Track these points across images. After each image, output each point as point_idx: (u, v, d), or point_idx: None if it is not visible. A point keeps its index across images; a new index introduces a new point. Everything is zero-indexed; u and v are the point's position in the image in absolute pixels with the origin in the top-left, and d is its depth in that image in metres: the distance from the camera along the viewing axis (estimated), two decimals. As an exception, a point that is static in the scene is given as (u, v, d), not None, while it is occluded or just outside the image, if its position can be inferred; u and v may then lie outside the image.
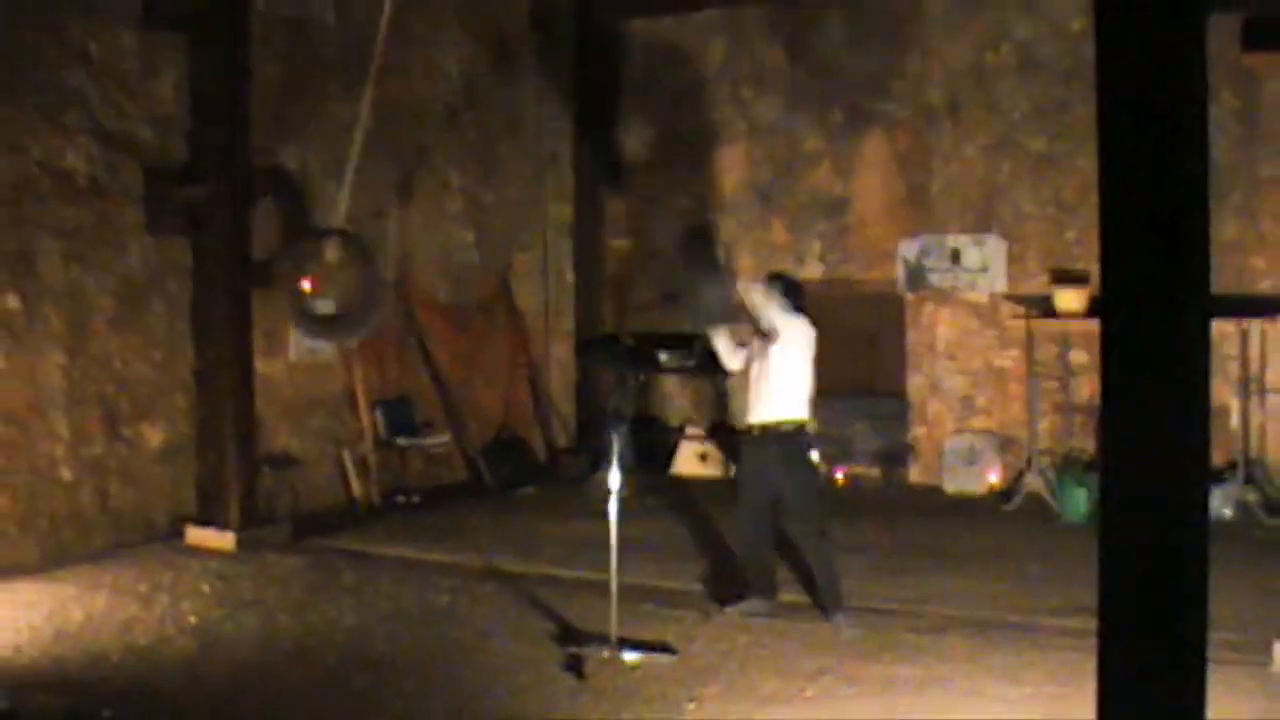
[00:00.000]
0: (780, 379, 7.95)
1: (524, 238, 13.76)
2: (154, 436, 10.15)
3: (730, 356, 8.14)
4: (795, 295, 8.11)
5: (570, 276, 14.15)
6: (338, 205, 9.17)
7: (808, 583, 8.20)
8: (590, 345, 13.78)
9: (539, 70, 13.72)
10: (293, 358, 11.20)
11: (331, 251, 8.34)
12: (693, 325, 8.42)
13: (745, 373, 8.14)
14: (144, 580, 8.87)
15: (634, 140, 14.00)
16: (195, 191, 9.98)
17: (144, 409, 10.07)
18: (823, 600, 7.94)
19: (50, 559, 9.25)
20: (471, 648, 7.47)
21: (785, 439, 7.99)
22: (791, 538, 8.37)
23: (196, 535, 9.98)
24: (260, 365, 10.52)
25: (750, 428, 8.11)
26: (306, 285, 11.10)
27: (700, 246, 8.36)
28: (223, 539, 9.85)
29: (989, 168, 12.31)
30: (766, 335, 7.90)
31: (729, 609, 8.03)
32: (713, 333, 8.15)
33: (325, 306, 9.29)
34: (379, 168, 12.06)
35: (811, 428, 8.20)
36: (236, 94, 10.05)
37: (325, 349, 11.44)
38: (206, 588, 8.74)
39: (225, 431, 10.06)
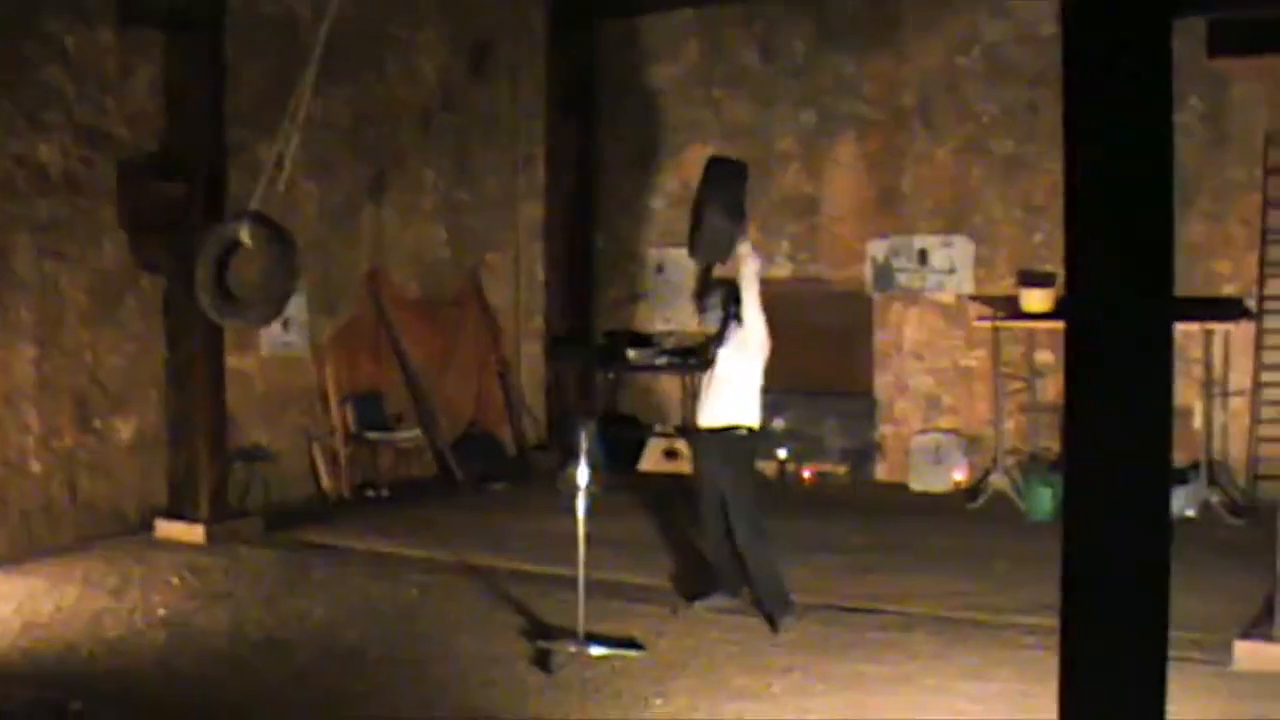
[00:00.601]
0: (731, 377, 7.76)
1: (497, 236, 13.73)
2: (125, 429, 10.10)
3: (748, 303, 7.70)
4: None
5: (541, 275, 14.13)
6: (274, 186, 9.03)
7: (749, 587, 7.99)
8: (560, 342, 13.77)
9: (514, 71, 13.69)
10: (265, 352, 11.16)
11: (245, 234, 8.31)
12: (694, 258, 8.02)
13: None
14: (114, 573, 8.83)
15: (608, 140, 13.98)
16: (170, 188, 9.92)
17: (115, 402, 10.03)
18: (766, 607, 7.70)
19: (19, 551, 9.20)
20: (441, 642, 7.46)
21: (722, 438, 7.78)
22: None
23: (167, 528, 9.94)
24: (232, 360, 10.48)
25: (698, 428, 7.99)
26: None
27: (728, 175, 7.90)
28: (193, 532, 9.81)
29: (958, 170, 12.33)
30: (737, 318, 7.72)
31: (697, 604, 8.03)
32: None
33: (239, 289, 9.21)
34: (353, 166, 12.05)
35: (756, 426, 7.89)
36: (213, 91, 10.00)
37: (297, 344, 11.41)
38: (177, 581, 8.71)
39: (197, 425, 10.02)
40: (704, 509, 7.99)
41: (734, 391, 7.75)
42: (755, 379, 7.82)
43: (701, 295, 8.06)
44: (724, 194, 7.60)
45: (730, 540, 7.86)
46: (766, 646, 7.32)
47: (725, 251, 7.74)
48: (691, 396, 12.80)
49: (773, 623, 7.60)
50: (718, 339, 7.90)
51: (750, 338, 7.73)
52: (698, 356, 9.58)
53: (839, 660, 7.08)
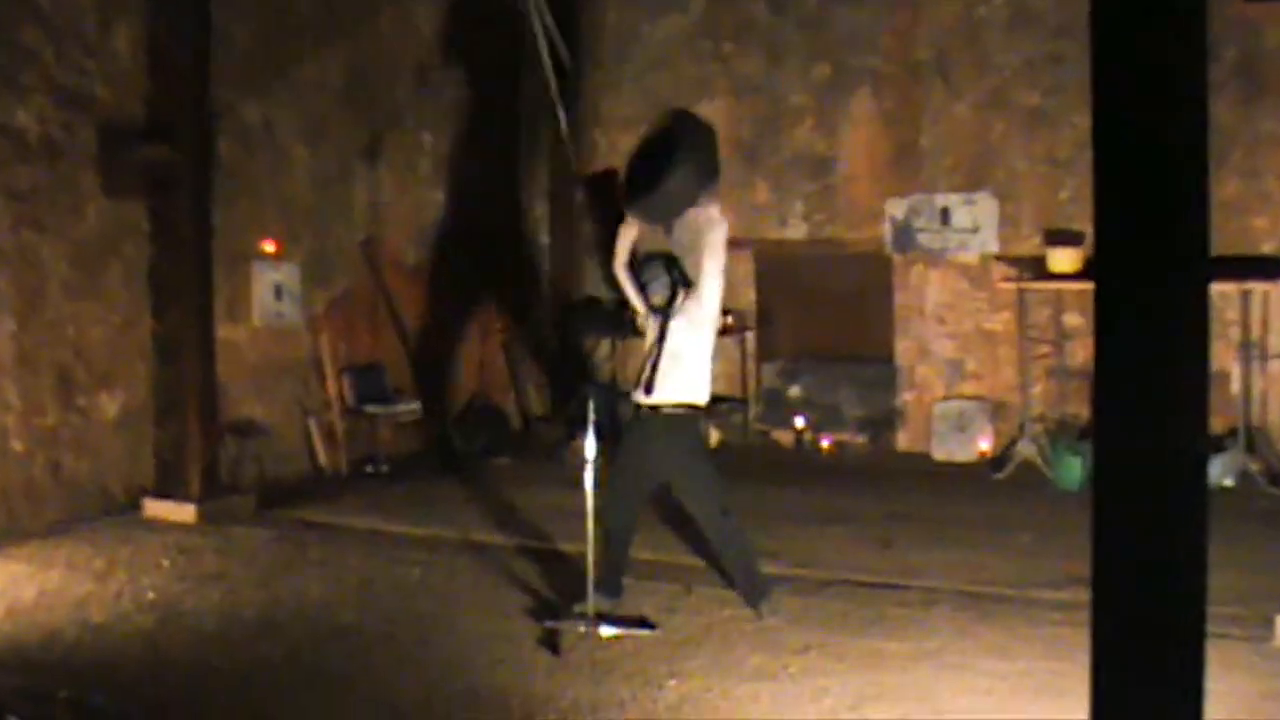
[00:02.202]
0: (683, 351, 7.33)
1: (499, 199, 13.69)
2: (111, 405, 10.09)
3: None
4: None
5: (546, 238, 14.11)
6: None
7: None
8: (568, 309, 13.76)
9: (515, 26, 13.62)
10: (257, 322, 11.15)
11: None
12: (643, 217, 7.51)
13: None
14: (100, 555, 8.84)
15: (614, 97, 13.93)
16: (155, 152, 9.89)
17: (100, 377, 10.01)
18: (745, 596, 7.50)
19: (1, 534, 9.20)
20: (444, 622, 7.47)
21: (674, 419, 7.38)
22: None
23: (156, 508, 9.93)
24: (223, 330, 10.46)
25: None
26: (270, 247, 11.12)
27: (702, 134, 7.48)
28: (183, 511, 9.81)
29: (980, 125, 12.28)
30: (686, 287, 7.29)
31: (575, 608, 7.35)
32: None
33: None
34: (346, 128, 12.01)
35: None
36: (198, 50, 9.95)
37: (290, 314, 11.41)
38: (166, 562, 8.72)
39: (186, 399, 10.00)
40: (618, 493, 7.46)
41: (688, 367, 7.30)
42: (709, 353, 7.40)
43: (638, 265, 7.53)
44: (698, 155, 7.22)
45: (629, 535, 7.55)
46: (783, 624, 7.32)
47: (677, 214, 7.34)
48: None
49: (756, 610, 7.46)
50: (663, 311, 7.34)
51: (706, 311, 7.29)
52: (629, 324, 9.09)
53: (858, 637, 7.09)
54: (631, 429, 7.58)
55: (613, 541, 7.50)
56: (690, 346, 7.31)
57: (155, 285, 10.18)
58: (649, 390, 7.30)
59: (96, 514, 9.81)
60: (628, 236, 7.67)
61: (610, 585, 7.48)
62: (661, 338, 7.30)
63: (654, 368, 7.28)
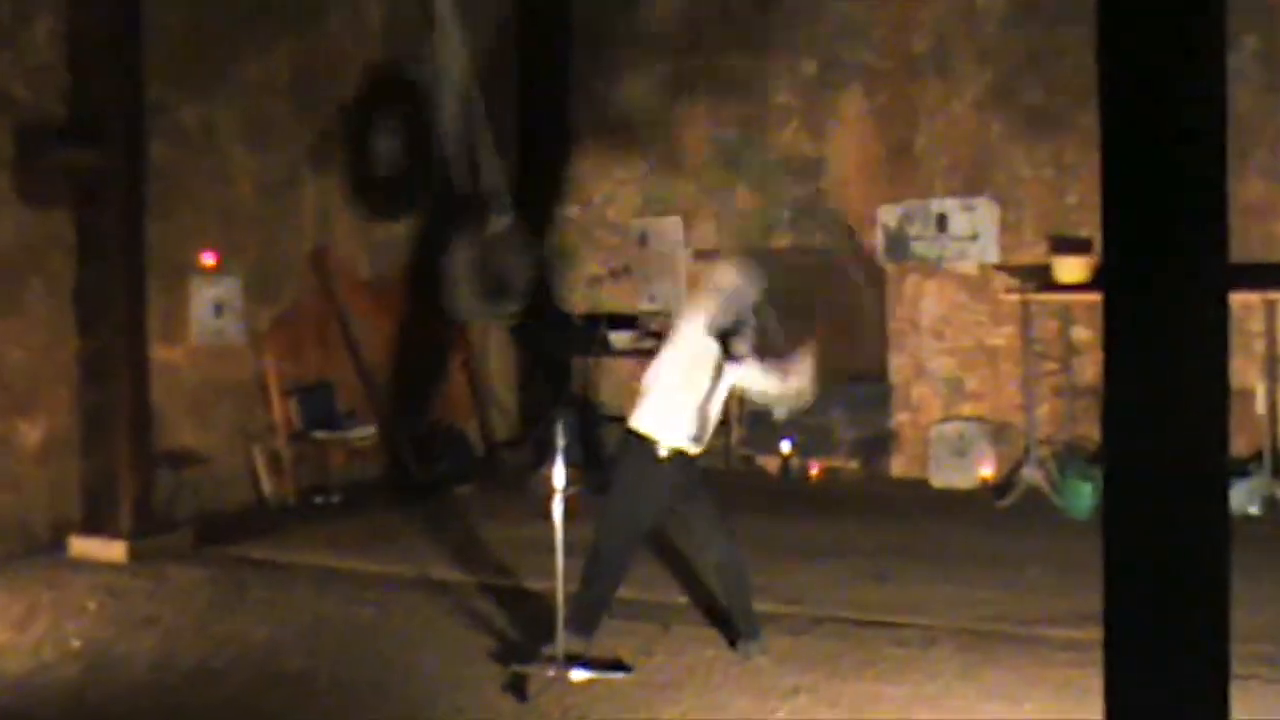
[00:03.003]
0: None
1: (459, 207, 13.64)
2: (32, 434, 10.02)
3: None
4: None
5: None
6: None
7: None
8: (534, 326, 13.72)
9: (476, 20, 13.60)
10: (195, 341, 11.11)
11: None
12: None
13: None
14: (20, 599, 8.76)
15: (583, 97, 13.93)
16: (80, 156, 9.84)
17: (20, 402, 9.94)
18: (736, 627, 7.61)
19: (-88, 576, 9.14)
20: (401, 666, 7.43)
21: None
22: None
23: (82, 546, 9.87)
24: (157, 351, 10.42)
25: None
26: (209, 260, 11.09)
27: None
28: (113, 549, 9.74)
29: (979, 124, 12.30)
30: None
31: (544, 649, 7.31)
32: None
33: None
34: (294, 130, 11.98)
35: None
36: (127, 44, 9.90)
37: (232, 331, 11.37)
38: (94, 606, 8.66)
39: (116, 426, 9.95)
40: (636, 528, 7.60)
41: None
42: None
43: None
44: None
45: (625, 573, 7.60)
46: (770, 665, 7.31)
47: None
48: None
49: (744, 649, 7.51)
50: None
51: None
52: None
53: (851, 680, 7.07)
54: (675, 472, 7.44)
55: (609, 577, 7.46)
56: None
57: (81, 302, 10.11)
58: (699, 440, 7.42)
59: (16, 553, 9.73)
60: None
61: (588, 622, 7.37)
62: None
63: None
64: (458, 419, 13.42)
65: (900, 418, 12.73)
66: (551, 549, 7.09)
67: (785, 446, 12.67)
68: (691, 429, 7.38)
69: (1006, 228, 12.20)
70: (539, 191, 13.90)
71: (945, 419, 12.43)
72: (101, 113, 9.88)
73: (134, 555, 9.70)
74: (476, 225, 10.05)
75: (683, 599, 8.48)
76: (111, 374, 9.97)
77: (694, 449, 7.43)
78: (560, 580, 7.08)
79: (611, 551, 7.45)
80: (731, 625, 7.68)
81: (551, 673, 7.00)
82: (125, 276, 9.93)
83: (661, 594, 8.63)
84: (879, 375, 12.79)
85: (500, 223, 10.08)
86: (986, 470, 12.03)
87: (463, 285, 9.91)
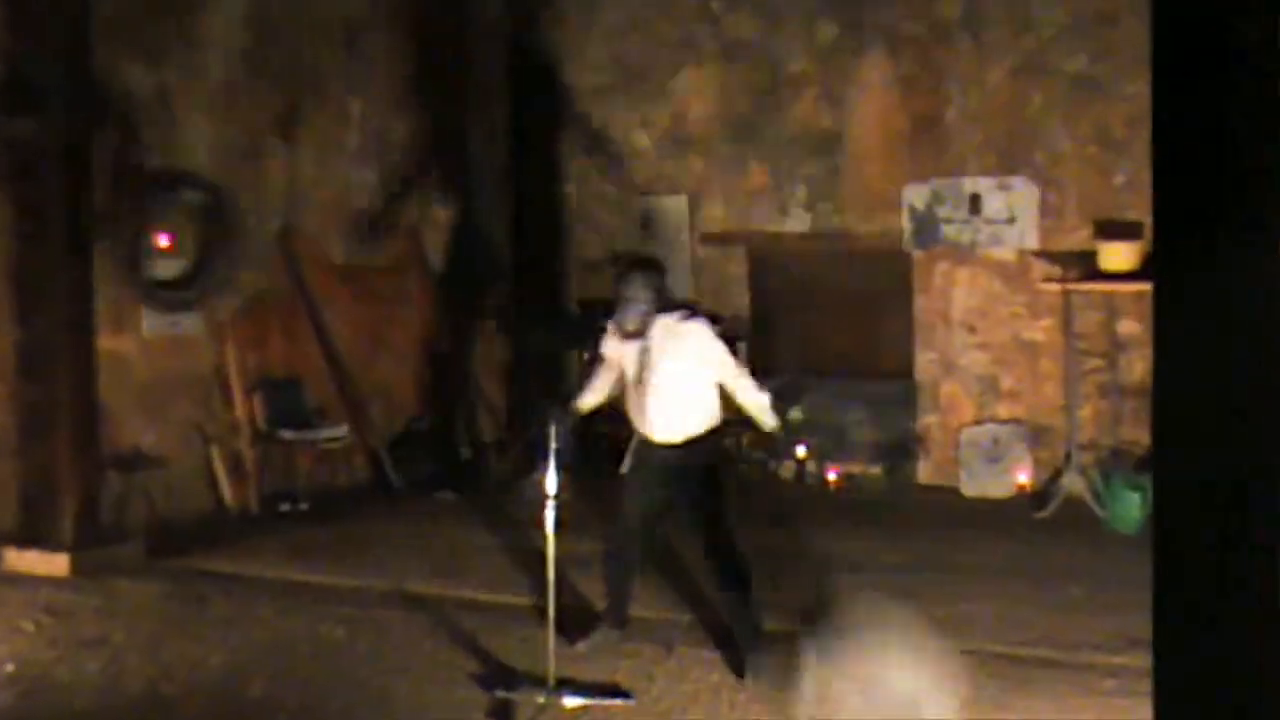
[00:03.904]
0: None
1: (443, 182, 13.65)
2: (-37, 434, 10.03)
3: None
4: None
5: (501, 230, 14.07)
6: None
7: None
8: (526, 316, 13.73)
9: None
10: (147, 332, 11.10)
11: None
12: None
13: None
14: (-49, 618, 8.77)
15: (580, 63, 13.93)
16: (18, 127, 9.82)
17: (-48, 399, 9.95)
18: (745, 645, 7.77)
19: None
20: (374, 691, 7.43)
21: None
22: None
23: (19, 559, 9.83)
24: (105, 341, 10.40)
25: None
26: (164, 242, 11.06)
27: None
28: (54, 562, 9.71)
29: (1017, 95, 12.30)
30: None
31: (580, 645, 7.91)
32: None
33: (170, 269, 9.26)
34: (257, 96, 11.97)
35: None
36: (71, 2, 9.88)
37: (189, 321, 11.35)
38: (31, 626, 8.64)
39: (59, 425, 9.92)
40: (636, 526, 8.02)
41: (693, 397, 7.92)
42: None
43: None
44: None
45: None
46: (783, 692, 7.28)
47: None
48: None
49: (741, 666, 7.64)
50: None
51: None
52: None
53: (873, 710, 7.05)
54: (648, 463, 8.04)
55: (633, 567, 8.02)
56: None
57: (20, 288, 10.08)
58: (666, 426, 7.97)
59: (-54, 566, 9.73)
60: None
61: (618, 616, 7.97)
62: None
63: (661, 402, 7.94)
64: (439, 418, 13.42)
65: (928, 419, 12.74)
66: (543, 562, 7.08)
67: (800, 450, 12.67)
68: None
69: (1046, 210, 12.20)
70: (531, 166, 13.92)
71: (977, 421, 12.44)
72: (42, 79, 9.84)
73: (77, 569, 9.65)
74: None
75: (688, 617, 8.47)
76: (53, 367, 9.94)
77: (656, 437, 7.85)
78: (552, 596, 7.08)
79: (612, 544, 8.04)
80: (733, 647, 7.73)
81: (541, 699, 7.01)
82: (68, 260, 9.90)
83: (665, 611, 8.64)
84: (904, 372, 12.79)
85: None
86: (1023, 478, 12.04)
87: None
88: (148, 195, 9.94)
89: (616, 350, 8.06)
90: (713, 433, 7.91)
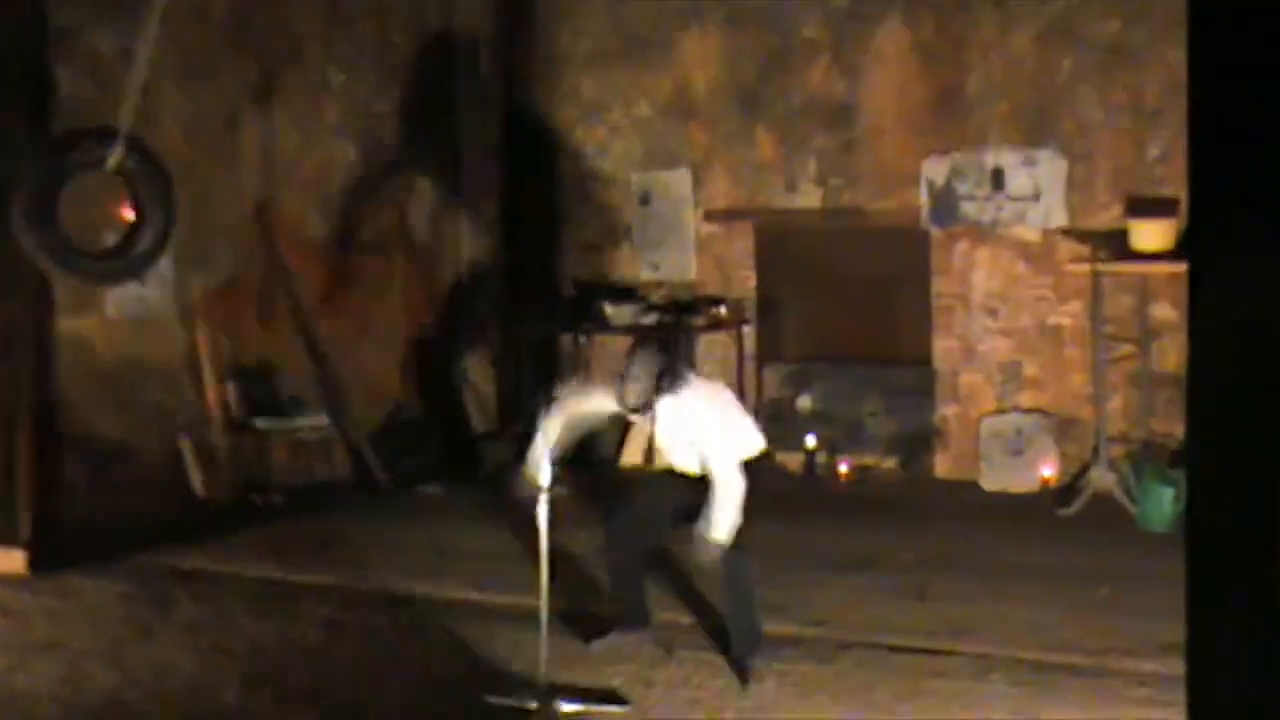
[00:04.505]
0: None
1: (429, 156, 13.63)
2: (-90, 424, 10.01)
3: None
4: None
5: (492, 208, 14.05)
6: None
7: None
8: (518, 298, 13.70)
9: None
10: (113, 312, 11.09)
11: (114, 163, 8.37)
12: None
13: None
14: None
15: (574, 28, 13.91)
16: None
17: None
18: (738, 650, 7.94)
19: None
20: (356, 698, 7.41)
21: None
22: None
23: (-29, 555, 9.86)
24: (66, 323, 10.40)
25: None
26: (128, 214, 11.02)
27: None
28: (10, 559, 9.72)
29: (1043, 62, 12.28)
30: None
31: (595, 644, 8.11)
32: None
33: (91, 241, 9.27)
34: (231, 62, 11.94)
35: None
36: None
37: (158, 302, 11.33)
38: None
39: (15, 413, 9.90)
40: (640, 515, 8.38)
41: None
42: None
43: None
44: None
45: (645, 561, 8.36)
46: (790, 697, 7.30)
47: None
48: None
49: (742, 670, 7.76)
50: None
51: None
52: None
53: (887, 717, 7.07)
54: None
55: (631, 572, 8.24)
56: None
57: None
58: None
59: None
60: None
61: (638, 613, 8.19)
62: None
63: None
64: (426, 406, 13.41)
65: (946, 409, 12.73)
66: (535, 560, 7.08)
67: (810, 441, 12.66)
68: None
69: (1075, 185, 12.18)
70: (519, 138, 13.89)
71: (999, 411, 12.43)
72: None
73: (35, 566, 9.67)
74: None
75: (689, 619, 8.50)
76: (9, 350, 9.92)
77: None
78: (545, 595, 7.08)
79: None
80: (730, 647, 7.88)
81: (534, 705, 7.01)
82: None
83: (666, 613, 8.62)
84: (921, 360, 12.79)
85: None
86: (1047, 472, 12.03)
87: None
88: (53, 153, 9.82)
89: (581, 406, 8.43)
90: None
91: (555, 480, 7.25)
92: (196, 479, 11.51)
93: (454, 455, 13.20)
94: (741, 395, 13.15)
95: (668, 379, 7.83)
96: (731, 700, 7.32)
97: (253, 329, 12.11)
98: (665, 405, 7.87)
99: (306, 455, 12.34)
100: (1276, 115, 2.99)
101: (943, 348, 12.76)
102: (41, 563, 9.70)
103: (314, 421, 12.24)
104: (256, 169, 12.21)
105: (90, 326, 10.92)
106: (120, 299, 11.08)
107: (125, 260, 9.55)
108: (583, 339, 13.56)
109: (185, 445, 11.51)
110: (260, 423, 11.83)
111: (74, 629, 8.63)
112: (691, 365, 9.03)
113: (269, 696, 7.49)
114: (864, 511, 11.58)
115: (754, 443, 8.17)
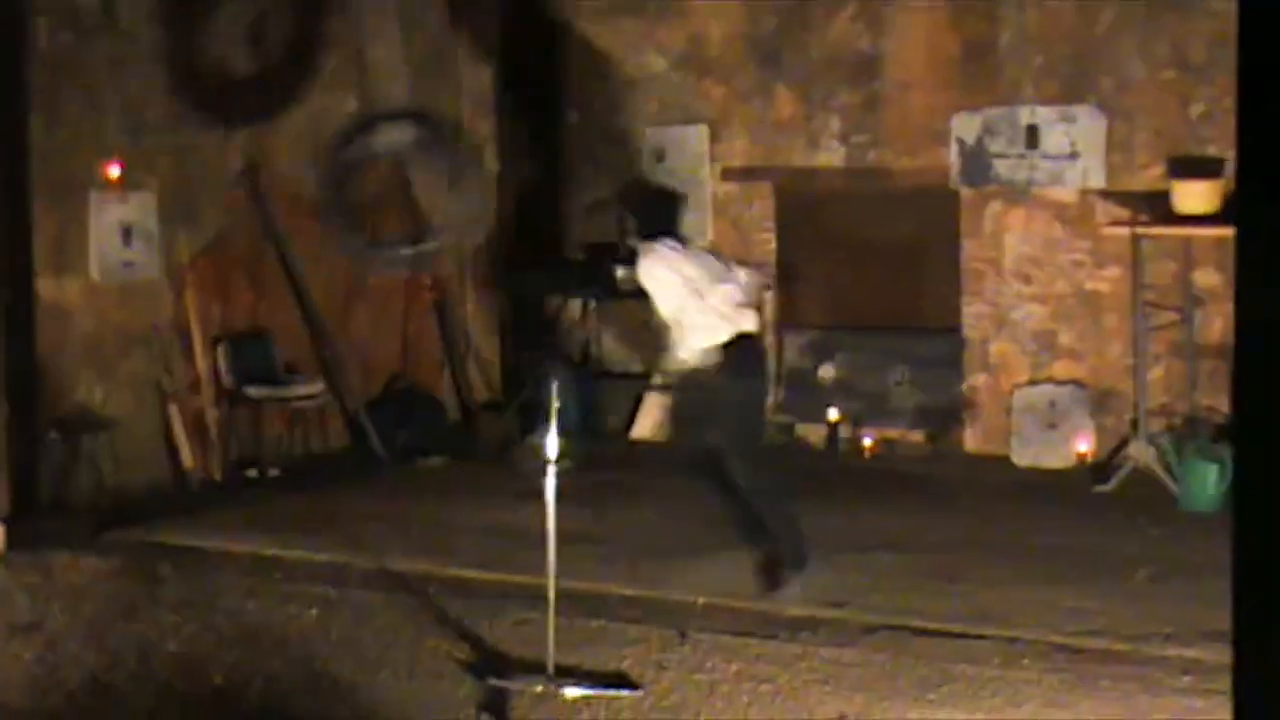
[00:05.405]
0: None
1: (429, 110, 13.61)
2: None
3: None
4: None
5: (494, 165, 14.04)
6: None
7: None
8: (523, 262, 13.70)
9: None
10: (96, 275, 11.08)
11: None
12: None
13: None
14: None
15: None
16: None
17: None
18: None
19: None
20: (352, 681, 7.43)
21: None
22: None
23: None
24: (45, 287, 10.41)
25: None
26: (113, 172, 11.01)
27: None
28: (-13, 535, 9.78)
29: (1081, 13, 12.24)
30: None
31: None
32: None
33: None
34: (218, 10, 11.90)
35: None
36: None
37: (144, 264, 11.32)
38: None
39: (-8, 382, 9.96)
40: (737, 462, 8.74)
41: None
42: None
43: None
44: None
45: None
46: (810, 683, 7.30)
47: None
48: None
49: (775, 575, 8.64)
50: None
51: None
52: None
53: (911, 705, 7.06)
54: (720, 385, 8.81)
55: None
56: None
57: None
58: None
59: None
60: None
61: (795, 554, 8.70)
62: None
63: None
64: (426, 375, 13.42)
65: (976, 380, 12.72)
66: (541, 536, 7.11)
67: (833, 414, 12.66)
68: None
69: (1114, 144, 12.14)
70: (523, 92, 13.87)
71: (1032, 382, 12.42)
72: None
73: (13, 542, 9.71)
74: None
75: (704, 599, 8.49)
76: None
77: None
78: (552, 574, 7.09)
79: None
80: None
81: (539, 689, 7.02)
82: (2, 192, 9.87)
83: (679, 591, 8.66)
84: (950, 327, 12.78)
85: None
86: (1083, 447, 12.02)
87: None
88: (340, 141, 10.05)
89: None
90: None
91: (563, 453, 7.24)
92: (185, 451, 11.52)
93: (455, 426, 13.22)
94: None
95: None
96: (747, 686, 7.31)
97: (243, 293, 12.11)
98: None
99: (301, 426, 12.35)
100: (1332, 69, 2.98)
101: (973, 315, 12.73)
102: (20, 539, 9.73)
103: (309, 390, 12.24)
104: (246, 124, 12.17)
105: (72, 290, 10.93)
106: (104, 261, 11.08)
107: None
108: (591, 303, 13.55)
109: (173, 416, 11.51)
110: (252, 392, 11.84)
111: (54, 608, 8.64)
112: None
113: (258, 680, 7.50)
114: (889, 488, 11.58)
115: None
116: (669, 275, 8.76)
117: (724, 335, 8.63)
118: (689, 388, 9.13)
